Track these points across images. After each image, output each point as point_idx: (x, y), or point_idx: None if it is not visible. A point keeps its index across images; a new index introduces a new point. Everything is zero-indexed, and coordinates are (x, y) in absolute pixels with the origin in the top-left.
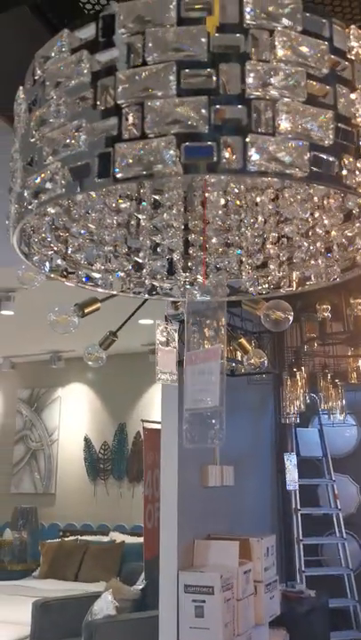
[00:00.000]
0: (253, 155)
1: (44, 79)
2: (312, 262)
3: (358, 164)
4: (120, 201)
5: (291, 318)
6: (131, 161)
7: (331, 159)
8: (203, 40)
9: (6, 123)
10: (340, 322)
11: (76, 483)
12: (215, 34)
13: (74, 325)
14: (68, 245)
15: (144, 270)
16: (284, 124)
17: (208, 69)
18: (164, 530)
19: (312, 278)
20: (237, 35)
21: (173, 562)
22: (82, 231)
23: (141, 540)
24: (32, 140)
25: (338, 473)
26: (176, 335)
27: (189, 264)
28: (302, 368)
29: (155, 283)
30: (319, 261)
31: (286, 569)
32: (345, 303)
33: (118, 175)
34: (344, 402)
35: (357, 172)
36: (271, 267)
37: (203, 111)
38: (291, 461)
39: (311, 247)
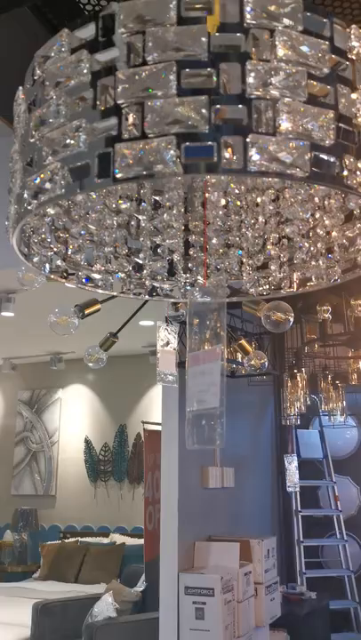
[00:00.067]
0: (254, 155)
1: (43, 79)
2: (313, 263)
3: (359, 165)
4: (120, 202)
5: (291, 319)
6: (131, 161)
7: (332, 159)
8: (203, 40)
9: (5, 123)
10: (341, 323)
11: (77, 484)
12: (215, 33)
13: (74, 327)
14: (68, 246)
15: (144, 271)
16: (285, 124)
17: (208, 69)
18: (164, 531)
19: (313, 279)
20: (238, 34)
21: (174, 563)
22: (82, 232)
23: (142, 541)
24: (32, 141)
25: (338, 474)
26: (177, 336)
27: (190, 265)
28: (303, 369)
29: (155, 284)
30: (320, 262)
31: (287, 571)
32: (346, 304)
33: (118, 175)
34: (345, 403)
35: (358, 173)
36: (272, 268)
37: (203, 111)
38: (291, 464)
39: (312, 248)
